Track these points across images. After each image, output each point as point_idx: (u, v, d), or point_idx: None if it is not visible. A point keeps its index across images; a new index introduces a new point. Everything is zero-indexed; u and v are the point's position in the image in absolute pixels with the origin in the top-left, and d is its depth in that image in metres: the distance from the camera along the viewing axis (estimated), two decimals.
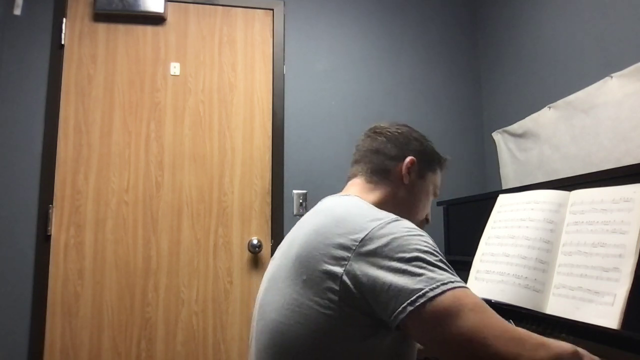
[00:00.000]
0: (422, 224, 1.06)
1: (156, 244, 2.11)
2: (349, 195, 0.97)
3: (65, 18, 2.15)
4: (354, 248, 0.76)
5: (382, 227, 0.77)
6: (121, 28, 2.21)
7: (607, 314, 0.92)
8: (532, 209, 1.23)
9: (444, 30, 2.52)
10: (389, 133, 1.03)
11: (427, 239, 0.79)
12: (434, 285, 0.70)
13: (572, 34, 1.83)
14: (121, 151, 2.14)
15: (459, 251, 1.80)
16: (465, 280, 1.33)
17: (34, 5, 2.12)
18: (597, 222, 1.04)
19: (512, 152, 2.15)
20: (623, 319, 0.89)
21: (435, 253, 0.76)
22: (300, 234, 0.88)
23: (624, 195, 1.01)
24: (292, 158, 2.27)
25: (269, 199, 2.23)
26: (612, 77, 1.57)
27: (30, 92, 2.08)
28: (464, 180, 2.42)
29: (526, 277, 1.13)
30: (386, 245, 0.75)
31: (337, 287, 0.75)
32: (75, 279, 2.03)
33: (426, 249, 0.75)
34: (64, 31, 2.14)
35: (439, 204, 2.00)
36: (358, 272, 0.75)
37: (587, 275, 1.00)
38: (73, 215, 2.07)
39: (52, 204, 2.05)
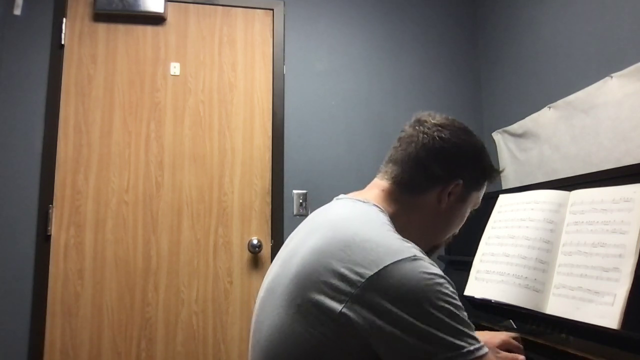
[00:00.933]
0: (448, 239, 0.95)
1: (156, 244, 2.11)
2: (368, 202, 0.84)
3: (65, 18, 2.15)
4: (358, 285, 0.67)
5: (394, 268, 0.67)
6: (121, 28, 2.20)
7: (607, 314, 0.92)
8: (532, 209, 1.23)
9: (444, 30, 2.52)
10: (442, 144, 0.85)
11: (446, 287, 0.68)
12: (449, 355, 0.64)
13: (572, 34, 1.83)
14: (121, 151, 2.14)
15: (459, 251, 1.80)
16: (465, 280, 1.34)
17: (34, 5, 2.12)
18: (597, 222, 1.04)
19: (512, 152, 2.15)
20: (623, 319, 0.89)
21: (453, 308, 0.67)
22: (304, 245, 0.77)
23: (624, 195, 1.01)
24: (292, 158, 2.27)
25: (269, 199, 2.23)
26: (612, 77, 1.57)
27: (30, 92, 2.08)
28: None
29: (526, 277, 1.13)
30: (397, 292, 0.65)
31: (333, 324, 0.67)
32: (75, 279, 2.03)
33: (445, 304, 0.66)
34: (64, 31, 2.13)
35: None
36: (360, 315, 0.66)
37: (587, 275, 1.00)
38: (73, 215, 2.06)
39: (52, 204, 2.05)
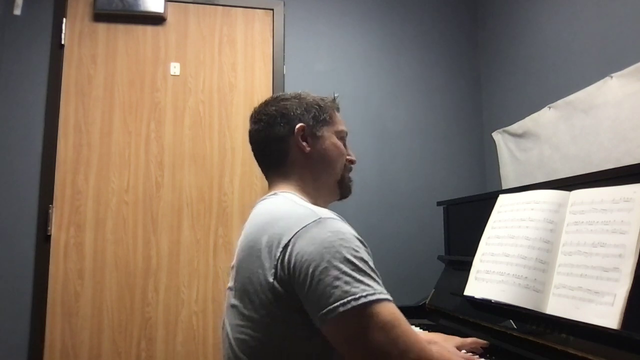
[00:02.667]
0: (346, 169, 1.05)
1: (156, 244, 2.11)
2: (275, 193, 0.96)
3: (65, 18, 2.15)
4: (279, 253, 0.78)
5: (303, 231, 0.78)
6: (121, 28, 2.20)
7: (607, 314, 0.92)
8: (532, 209, 1.24)
9: (444, 30, 2.52)
10: (265, 116, 1.00)
11: (347, 242, 0.77)
12: (343, 301, 0.71)
13: (572, 34, 1.83)
14: (121, 151, 2.14)
15: (459, 251, 1.80)
16: (465, 280, 1.34)
17: (34, 5, 2.12)
18: (597, 222, 1.04)
19: (512, 152, 2.15)
20: (623, 319, 0.89)
21: (354, 259, 0.75)
22: (239, 247, 0.91)
23: (624, 195, 1.01)
24: None
25: None
26: (612, 77, 1.57)
27: (30, 92, 2.08)
28: (464, 180, 2.42)
29: (526, 277, 1.13)
30: (305, 251, 0.75)
31: (272, 295, 0.78)
32: (75, 279, 2.03)
33: (345, 256, 0.75)
34: (64, 31, 2.13)
35: (439, 204, 2.00)
36: (285, 279, 0.77)
37: (587, 275, 1.00)
38: (73, 215, 2.06)
39: (52, 204, 2.05)
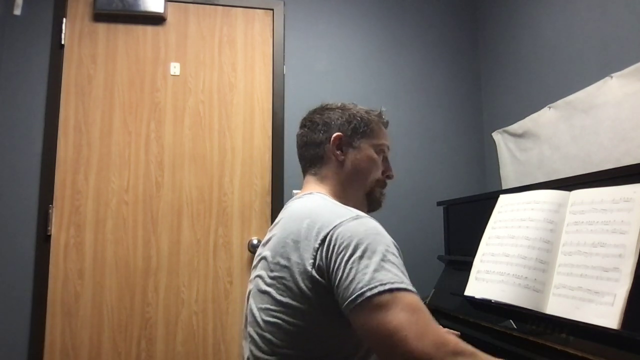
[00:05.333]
0: (380, 183, 1.09)
1: (156, 244, 2.11)
2: (311, 193, 1.02)
3: (65, 18, 2.15)
4: (318, 243, 0.84)
5: (342, 225, 0.84)
6: (121, 28, 2.20)
7: (607, 314, 0.92)
8: (532, 209, 1.24)
9: (444, 30, 2.52)
10: (309, 122, 1.09)
11: (381, 237, 0.83)
12: (372, 286, 0.75)
13: (572, 34, 1.83)
14: (121, 151, 2.14)
15: (459, 251, 1.80)
16: (465, 280, 1.34)
17: (34, 5, 2.12)
18: (597, 222, 1.05)
19: (512, 152, 2.15)
20: (623, 319, 0.89)
21: (386, 253, 0.80)
22: (274, 240, 0.94)
23: (624, 195, 1.01)
24: (292, 158, 2.26)
25: (269, 199, 2.23)
26: (612, 77, 1.57)
27: (30, 92, 2.08)
28: (464, 180, 2.42)
29: (526, 277, 1.14)
30: (342, 240, 0.81)
31: (311, 284, 0.83)
32: (75, 279, 2.03)
33: (377, 249, 0.80)
34: (64, 31, 2.13)
35: (439, 204, 2.00)
36: (321, 265, 0.82)
37: (587, 275, 1.00)
38: (73, 215, 2.06)
39: (52, 204, 2.05)
